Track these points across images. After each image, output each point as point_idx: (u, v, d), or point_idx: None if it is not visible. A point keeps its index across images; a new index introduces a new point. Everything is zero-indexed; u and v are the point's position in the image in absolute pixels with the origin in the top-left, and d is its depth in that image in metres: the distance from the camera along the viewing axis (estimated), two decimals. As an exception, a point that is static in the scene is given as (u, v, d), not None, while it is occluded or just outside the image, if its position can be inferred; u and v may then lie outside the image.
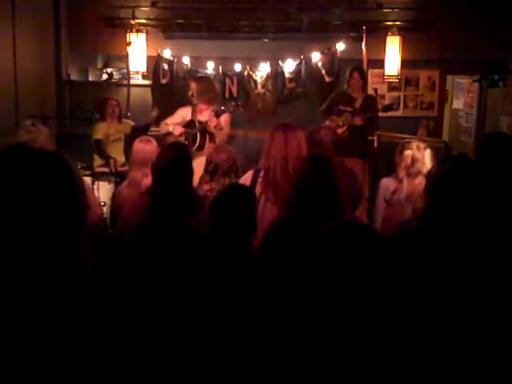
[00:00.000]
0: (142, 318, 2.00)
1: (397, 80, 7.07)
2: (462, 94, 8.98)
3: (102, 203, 4.32)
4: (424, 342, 1.61)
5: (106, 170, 5.18)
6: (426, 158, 3.69)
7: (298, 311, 1.51)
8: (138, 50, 6.67)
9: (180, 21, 6.85)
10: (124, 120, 6.02)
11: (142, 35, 6.72)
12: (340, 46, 6.89)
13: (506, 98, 7.47)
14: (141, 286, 2.44)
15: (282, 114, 6.84)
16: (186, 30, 6.91)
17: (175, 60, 7.15)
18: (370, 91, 6.65)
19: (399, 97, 7.44)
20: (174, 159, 3.01)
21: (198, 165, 3.71)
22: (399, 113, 7.28)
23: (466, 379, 1.79)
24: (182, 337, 2.15)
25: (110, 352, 1.37)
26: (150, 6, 6.84)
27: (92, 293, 1.37)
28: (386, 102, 7.00)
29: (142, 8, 6.83)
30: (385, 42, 6.81)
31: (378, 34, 6.82)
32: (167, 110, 6.31)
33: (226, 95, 7.14)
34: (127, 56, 6.55)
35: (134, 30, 6.62)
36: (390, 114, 6.21)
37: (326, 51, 7.06)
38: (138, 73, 6.80)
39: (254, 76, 7.24)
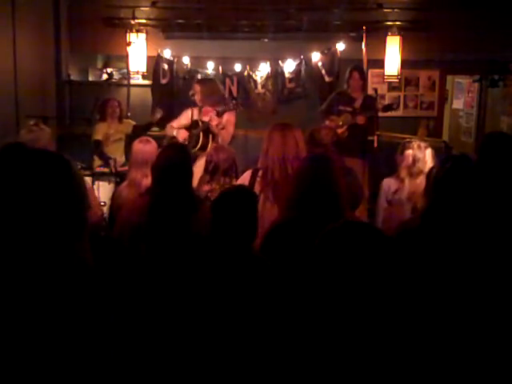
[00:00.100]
0: (142, 318, 1.99)
1: (397, 80, 7.06)
2: (461, 94, 8.98)
3: (102, 203, 4.32)
4: (424, 341, 1.61)
5: (105, 170, 5.18)
6: (427, 158, 3.69)
7: (303, 310, 1.50)
8: (138, 50, 6.66)
9: (180, 21, 6.85)
10: (125, 120, 6.02)
11: (142, 35, 6.72)
12: (340, 46, 6.89)
13: (506, 98, 7.47)
14: (141, 286, 2.44)
15: (282, 113, 6.84)
16: (185, 29, 6.91)
17: (175, 60, 7.15)
18: (370, 91, 6.65)
19: (399, 97, 7.44)
20: (173, 159, 3.01)
21: (202, 165, 3.72)
22: (399, 113, 7.28)
23: (466, 378, 1.79)
24: (183, 337, 2.15)
25: (110, 351, 1.37)
26: (150, 6, 6.84)
27: (92, 291, 1.37)
28: (386, 102, 7.00)
29: (142, 8, 6.82)
30: (385, 42, 6.80)
31: (378, 33, 6.82)
32: (170, 111, 6.33)
33: (226, 95, 7.13)
34: (127, 56, 6.54)
35: (133, 30, 6.62)
36: (389, 113, 6.21)
37: (326, 51, 7.06)
38: (138, 73, 6.79)
39: (254, 76, 7.24)
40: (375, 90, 6.11)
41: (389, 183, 3.84)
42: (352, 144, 5.34)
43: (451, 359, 1.75)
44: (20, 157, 1.38)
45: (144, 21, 6.86)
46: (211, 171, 3.56)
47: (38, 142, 3.43)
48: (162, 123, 5.82)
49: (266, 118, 6.81)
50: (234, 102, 5.50)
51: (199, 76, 7.18)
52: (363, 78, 6.14)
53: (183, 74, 7.19)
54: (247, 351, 2.09)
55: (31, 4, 5.95)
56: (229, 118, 5.27)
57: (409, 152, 3.72)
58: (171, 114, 6.12)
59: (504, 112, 7.55)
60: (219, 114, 5.20)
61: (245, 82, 7.24)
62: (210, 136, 5.18)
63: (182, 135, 5.31)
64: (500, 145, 3.26)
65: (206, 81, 5.77)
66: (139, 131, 5.56)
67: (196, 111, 5.37)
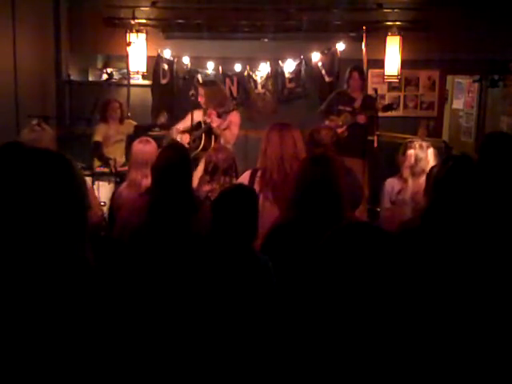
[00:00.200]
0: (143, 318, 1.99)
1: (397, 80, 7.06)
2: (461, 94, 8.98)
3: (102, 203, 4.32)
4: (427, 341, 1.61)
5: (105, 170, 5.18)
6: (429, 157, 3.69)
7: (306, 311, 1.50)
8: (138, 50, 6.67)
9: (180, 21, 6.85)
10: (126, 121, 6.02)
11: (142, 35, 6.72)
12: (340, 46, 6.89)
13: (506, 98, 7.47)
14: (141, 287, 2.44)
15: (282, 113, 6.84)
16: (185, 30, 6.91)
17: (175, 60, 7.15)
18: (370, 91, 6.65)
19: (399, 97, 7.44)
20: (173, 160, 3.01)
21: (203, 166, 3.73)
22: (399, 113, 7.28)
23: (466, 377, 1.79)
24: (183, 337, 2.15)
25: (111, 350, 1.37)
26: (150, 6, 6.84)
27: (94, 291, 1.37)
28: (386, 102, 6.99)
29: (142, 8, 6.82)
30: (385, 41, 6.80)
31: (378, 33, 6.82)
32: (170, 112, 6.32)
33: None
34: (127, 56, 6.55)
35: (134, 30, 6.62)
36: (389, 113, 6.21)
37: (326, 51, 7.06)
38: (138, 73, 6.79)
39: (254, 76, 7.24)
40: (375, 90, 6.12)
41: (392, 184, 3.83)
42: (352, 144, 5.33)
43: (452, 359, 1.75)
44: (20, 156, 1.38)
45: (144, 21, 6.86)
46: (211, 171, 3.56)
47: (39, 142, 3.43)
48: (166, 125, 5.82)
49: (265, 118, 6.80)
50: (234, 102, 5.49)
51: (199, 76, 7.19)
52: (363, 77, 6.15)
53: (183, 73, 7.19)
54: (247, 351, 2.09)
55: (31, 4, 5.95)
56: (232, 118, 5.24)
57: (411, 152, 3.71)
58: (171, 114, 6.11)
59: (504, 112, 7.55)
60: (220, 116, 5.20)
61: (245, 81, 7.24)
62: (213, 137, 5.17)
63: (185, 140, 5.30)
64: (501, 145, 3.26)
65: (210, 83, 5.74)
66: (140, 132, 5.56)
67: (199, 113, 5.36)
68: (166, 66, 7.10)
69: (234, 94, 7.18)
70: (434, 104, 7.50)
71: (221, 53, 7.10)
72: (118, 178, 4.88)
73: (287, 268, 2.43)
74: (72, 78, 6.89)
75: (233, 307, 2.19)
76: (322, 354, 1.37)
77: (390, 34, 6.80)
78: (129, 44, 6.48)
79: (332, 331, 1.38)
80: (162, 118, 5.86)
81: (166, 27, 6.98)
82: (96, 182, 4.86)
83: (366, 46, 6.61)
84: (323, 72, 7.11)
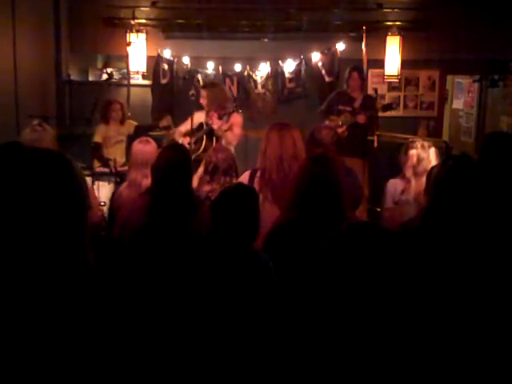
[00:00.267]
0: (143, 319, 1.99)
1: (397, 80, 7.06)
2: (461, 94, 8.98)
3: (102, 203, 4.32)
4: (428, 341, 1.61)
5: (105, 170, 5.18)
6: (431, 157, 3.68)
7: (308, 311, 1.50)
8: (138, 50, 6.66)
9: (180, 21, 6.85)
10: (127, 121, 6.01)
11: (142, 35, 6.72)
12: (340, 46, 6.89)
13: (506, 98, 7.47)
14: (141, 287, 2.44)
15: (282, 113, 6.84)
16: (185, 30, 6.91)
17: (175, 60, 7.15)
18: (370, 91, 6.66)
19: (399, 97, 7.44)
20: (173, 160, 3.01)
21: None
22: (399, 113, 7.28)
23: (467, 377, 1.79)
24: (183, 337, 2.15)
25: (110, 350, 1.36)
26: (150, 6, 6.84)
27: (94, 291, 1.37)
28: (386, 102, 7.00)
29: (142, 8, 6.82)
30: (385, 41, 6.80)
31: (378, 33, 6.82)
32: (170, 112, 6.30)
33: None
34: (127, 56, 6.55)
35: (134, 30, 6.62)
36: (390, 113, 6.21)
37: (326, 51, 7.07)
38: (138, 73, 6.79)
39: (254, 76, 7.24)
40: (375, 90, 6.13)
41: (395, 184, 3.81)
42: (352, 144, 5.34)
43: (452, 358, 1.75)
44: (20, 156, 1.38)
45: (144, 21, 6.86)
46: (211, 171, 3.56)
47: (40, 143, 3.43)
48: (168, 128, 5.81)
49: (265, 118, 6.81)
50: (234, 104, 5.48)
51: (199, 76, 7.19)
52: (362, 77, 6.15)
53: (183, 73, 7.19)
54: (248, 351, 2.09)
55: (31, 4, 5.95)
56: (235, 120, 5.23)
57: (413, 152, 3.70)
58: (172, 115, 6.11)
59: (504, 112, 7.55)
60: (220, 117, 5.19)
61: (245, 81, 7.24)
62: (214, 139, 5.17)
63: (186, 141, 5.29)
64: (501, 145, 3.25)
65: (212, 85, 5.72)
66: (141, 132, 5.55)
67: (201, 114, 5.35)
68: (166, 66, 7.10)
69: (234, 93, 7.18)
70: (434, 104, 7.50)
71: (221, 53, 7.10)
72: (118, 178, 4.87)
73: (288, 268, 2.42)
74: (72, 78, 6.90)
75: (233, 307, 2.19)
76: (325, 353, 1.37)
77: (390, 34, 6.80)
78: (129, 44, 6.48)
79: (335, 331, 1.38)
80: (165, 122, 5.85)
81: (166, 27, 6.98)
82: (96, 182, 4.86)
83: (366, 46, 6.61)
84: (323, 72, 7.11)
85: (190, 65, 7.19)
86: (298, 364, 1.41)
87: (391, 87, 7.41)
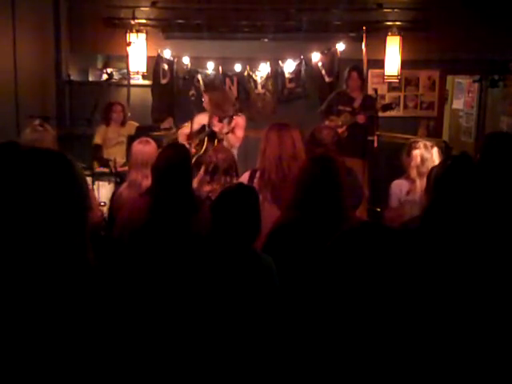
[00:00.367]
0: (143, 319, 1.99)
1: (397, 80, 7.07)
2: (462, 94, 8.98)
3: (102, 203, 4.32)
4: (424, 341, 1.61)
5: (105, 170, 5.18)
6: (434, 157, 3.68)
7: (312, 312, 1.49)
8: (138, 50, 6.67)
9: (180, 21, 6.85)
10: (127, 122, 6.01)
11: (142, 35, 6.72)
12: (340, 46, 6.90)
13: (506, 98, 7.47)
14: (141, 287, 2.44)
15: (282, 113, 6.84)
16: (185, 30, 6.91)
17: (175, 60, 7.15)
18: (370, 91, 6.66)
19: (399, 97, 7.44)
20: (173, 160, 3.01)
21: None
22: (399, 113, 7.29)
23: (467, 377, 1.79)
24: (184, 338, 2.15)
25: (110, 350, 1.36)
26: (150, 6, 6.84)
27: (95, 291, 1.36)
28: (386, 102, 7.00)
29: (142, 8, 6.82)
30: (385, 41, 6.81)
31: (378, 33, 6.82)
32: (170, 112, 6.30)
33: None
34: (127, 56, 6.55)
35: (134, 30, 6.62)
36: (390, 113, 6.22)
37: (326, 51, 7.07)
38: (138, 73, 6.80)
39: (254, 76, 7.24)
40: (375, 90, 6.13)
41: (400, 185, 3.80)
42: (352, 144, 5.34)
43: (453, 358, 1.75)
44: (20, 156, 1.38)
45: (144, 21, 6.86)
46: (211, 171, 3.56)
47: (41, 143, 3.43)
48: (170, 129, 5.82)
49: (266, 118, 6.81)
50: (235, 107, 5.47)
51: (199, 76, 7.19)
52: (362, 77, 6.15)
53: (183, 74, 7.20)
54: (250, 353, 2.09)
55: (31, 4, 5.95)
56: (237, 122, 5.22)
57: (416, 152, 3.70)
58: (173, 117, 6.12)
59: (504, 112, 7.55)
60: (221, 120, 5.19)
61: (245, 82, 7.24)
62: (216, 141, 5.17)
63: (187, 143, 5.29)
64: (502, 145, 3.26)
65: (214, 89, 5.71)
66: (142, 133, 5.55)
67: (205, 116, 5.35)
68: (166, 66, 7.10)
69: (234, 94, 7.19)
70: (434, 104, 7.50)
71: (221, 53, 7.10)
72: (118, 178, 4.88)
73: (289, 268, 2.42)
74: (72, 78, 6.88)
75: (234, 308, 2.19)
76: (329, 356, 1.37)
77: (390, 33, 6.80)
78: (129, 44, 6.48)
79: (342, 332, 1.37)
80: (167, 124, 5.86)
81: (166, 27, 6.98)
82: (96, 182, 4.86)
83: (366, 46, 6.62)
84: (323, 72, 7.12)
85: (189, 65, 7.20)
86: (300, 366, 1.40)
87: (391, 87, 7.41)
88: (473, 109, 8.49)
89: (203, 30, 6.80)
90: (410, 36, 6.88)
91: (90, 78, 7.37)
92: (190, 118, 5.37)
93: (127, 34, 6.57)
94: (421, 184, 3.65)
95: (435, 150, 3.72)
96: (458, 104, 9.12)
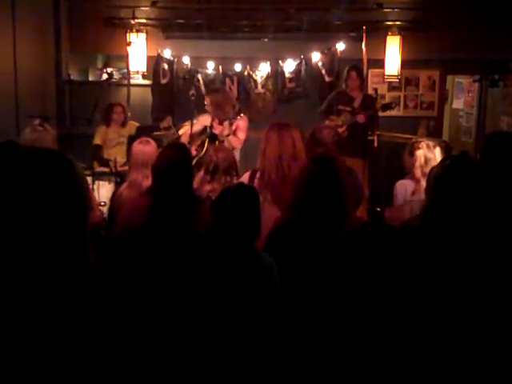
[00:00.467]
0: (143, 319, 1.99)
1: (397, 80, 7.07)
2: (462, 94, 8.98)
3: (102, 203, 4.32)
4: (424, 341, 1.61)
5: (106, 169, 5.18)
6: (437, 156, 3.68)
7: (315, 312, 1.49)
8: (138, 50, 6.67)
9: (180, 21, 6.85)
10: (128, 122, 6.01)
11: (142, 35, 6.73)
12: (340, 46, 6.90)
13: (506, 98, 7.47)
14: (141, 287, 2.44)
15: (282, 113, 6.84)
16: (185, 30, 6.91)
17: (175, 60, 7.15)
18: (370, 91, 6.66)
19: (399, 97, 7.44)
20: (173, 160, 3.01)
21: None
22: (399, 113, 7.28)
23: (467, 377, 1.79)
24: (184, 338, 2.15)
25: (110, 350, 1.36)
26: (150, 6, 6.84)
27: (95, 291, 1.36)
28: (386, 101, 6.99)
29: (142, 8, 6.83)
30: (385, 41, 6.81)
31: (378, 34, 6.83)
32: (170, 112, 6.30)
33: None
34: (127, 56, 6.55)
35: (134, 30, 6.63)
36: (390, 113, 6.21)
37: (326, 51, 7.07)
38: (138, 73, 6.80)
39: (254, 76, 7.24)
40: (375, 89, 6.13)
41: (404, 185, 3.80)
42: (352, 144, 5.33)
43: (454, 357, 1.75)
44: (20, 156, 1.38)
45: (144, 21, 6.86)
46: (212, 171, 3.56)
47: (41, 142, 3.43)
48: (169, 128, 5.81)
49: (266, 117, 6.81)
50: (234, 110, 5.46)
51: (199, 76, 7.19)
52: (361, 77, 6.14)
53: (183, 73, 7.20)
54: (251, 353, 2.09)
55: (31, 4, 5.96)
56: (239, 124, 5.21)
57: (419, 152, 3.70)
58: (173, 117, 6.12)
59: (504, 112, 7.55)
60: (221, 122, 5.19)
61: (245, 81, 7.24)
62: (217, 143, 5.16)
63: (193, 144, 5.28)
64: (503, 144, 3.25)
65: (215, 91, 5.70)
66: (142, 133, 5.55)
67: (207, 118, 5.35)
68: (166, 66, 7.10)
69: (235, 93, 7.18)
70: (434, 104, 7.50)
71: (221, 53, 7.10)
72: (118, 178, 4.87)
73: (290, 268, 2.42)
74: (72, 77, 6.89)
75: (235, 307, 2.19)
76: (333, 355, 1.36)
77: (390, 33, 6.80)
78: (129, 44, 6.48)
79: (347, 332, 1.37)
80: (166, 123, 5.86)
81: (166, 27, 6.98)
82: (96, 182, 4.86)
83: (366, 45, 6.62)
84: (323, 72, 7.12)
85: (189, 65, 7.20)
86: (303, 366, 1.40)
87: (391, 87, 7.40)
88: (473, 108, 8.49)
89: (203, 30, 6.80)
90: (410, 36, 6.88)
91: (90, 78, 7.36)
92: (190, 118, 5.36)
93: (127, 34, 6.58)
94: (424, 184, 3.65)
95: (438, 150, 3.72)
96: (458, 104, 9.12)
